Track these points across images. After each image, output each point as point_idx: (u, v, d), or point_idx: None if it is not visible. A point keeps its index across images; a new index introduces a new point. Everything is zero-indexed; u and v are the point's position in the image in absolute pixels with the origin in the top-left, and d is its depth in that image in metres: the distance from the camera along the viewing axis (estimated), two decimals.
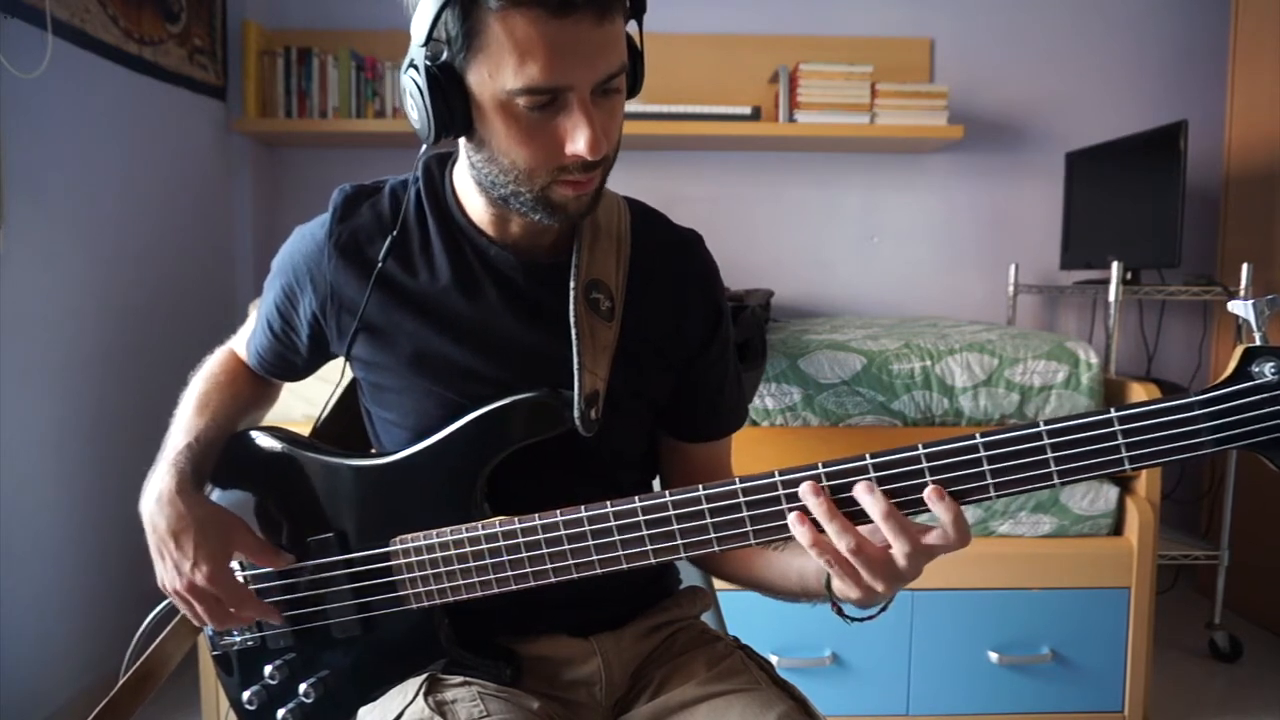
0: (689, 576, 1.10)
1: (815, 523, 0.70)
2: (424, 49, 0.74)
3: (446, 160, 0.92)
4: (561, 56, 0.71)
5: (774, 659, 1.82)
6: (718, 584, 1.18)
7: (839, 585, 0.74)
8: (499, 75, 0.72)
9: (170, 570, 0.84)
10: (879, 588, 0.71)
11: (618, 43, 0.75)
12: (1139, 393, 1.91)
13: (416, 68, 0.75)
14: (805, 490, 0.70)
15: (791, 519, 0.71)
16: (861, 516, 0.71)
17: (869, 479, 0.70)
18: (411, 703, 0.82)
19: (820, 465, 0.71)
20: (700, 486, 0.74)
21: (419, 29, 0.73)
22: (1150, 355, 2.90)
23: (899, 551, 0.69)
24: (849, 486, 0.70)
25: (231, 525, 0.86)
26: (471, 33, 0.72)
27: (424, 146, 0.82)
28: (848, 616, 0.79)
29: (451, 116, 0.76)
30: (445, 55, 0.74)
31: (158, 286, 2.26)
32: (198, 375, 1.01)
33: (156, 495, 0.85)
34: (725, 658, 0.92)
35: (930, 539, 0.69)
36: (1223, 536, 2.34)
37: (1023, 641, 1.91)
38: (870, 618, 0.78)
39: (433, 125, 0.76)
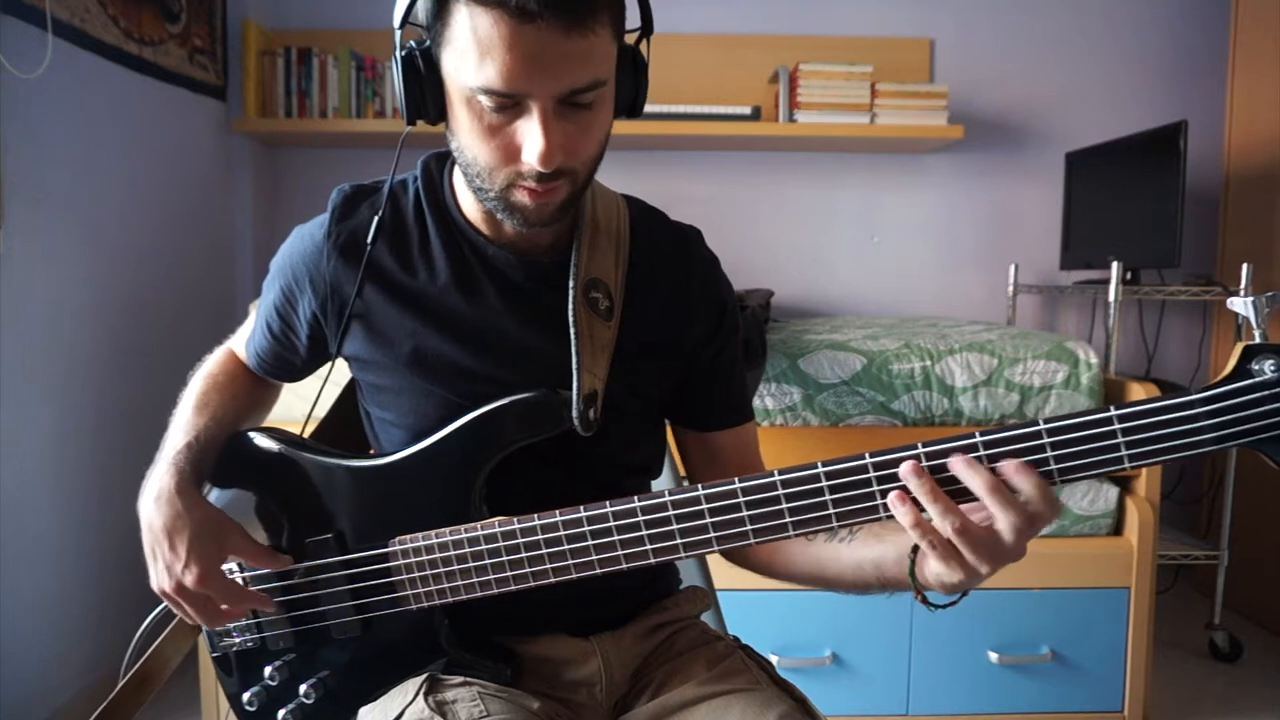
0: (689, 576, 1.10)
1: (915, 502, 0.67)
2: (400, 32, 0.75)
3: (446, 159, 0.92)
4: (520, 63, 0.70)
5: (774, 659, 1.82)
6: (718, 584, 1.18)
7: (938, 569, 0.69)
8: (462, 69, 0.73)
9: (162, 571, 0.84)
10: (984, 569, 0.67)
11: (590, 56, 0.72)
12: (1139, 393, 1.91)
13: (397, 50, 0.77)
14: (906, 471, 0.67)
15: (892, 499, 0.67)
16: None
17: (975, 455, 0.67)
18: (411, 703, 0.82)
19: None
20: (700, 486, 0.74)
21: (397, 12, 0.76)
22: (1150, 355, 2.90)
23: (1006, 525, 0.66)
24: (938, 469, 0.68)
25: (227, 529, 0.85)
26: (442, 22, 0.73)
27: (404, 132, 0.84)
28: (931, 604, 0.75)
29: (425, 102, 0.77)
30: (427, 41, 0.76)
31: (158, 286, 2.26)
32: (197, 375, 1.01)
33: (155, 494, 0.85)
34: (725, 658, 0.91)
35: (1031, 509, 0.66)
36: (1223, 536, 2.34)
37: (1023, 641, 1.91)
38: (953, 603, 0.75)
39: (405, 108, 0.78)
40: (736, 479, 0.73)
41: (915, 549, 0.74)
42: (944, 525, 0.66)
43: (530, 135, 0.73)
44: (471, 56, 0.71)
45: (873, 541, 0.80)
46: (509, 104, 0.72)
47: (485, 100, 0.72)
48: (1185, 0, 2.88)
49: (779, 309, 2.67)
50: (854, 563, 0.82)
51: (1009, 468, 0.66)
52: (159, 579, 0.84)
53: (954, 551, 0.67)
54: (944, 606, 0.75)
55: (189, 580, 0.82)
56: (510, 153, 0.75)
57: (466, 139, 0.76)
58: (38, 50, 1.77)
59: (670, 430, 1.00)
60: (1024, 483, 0.66)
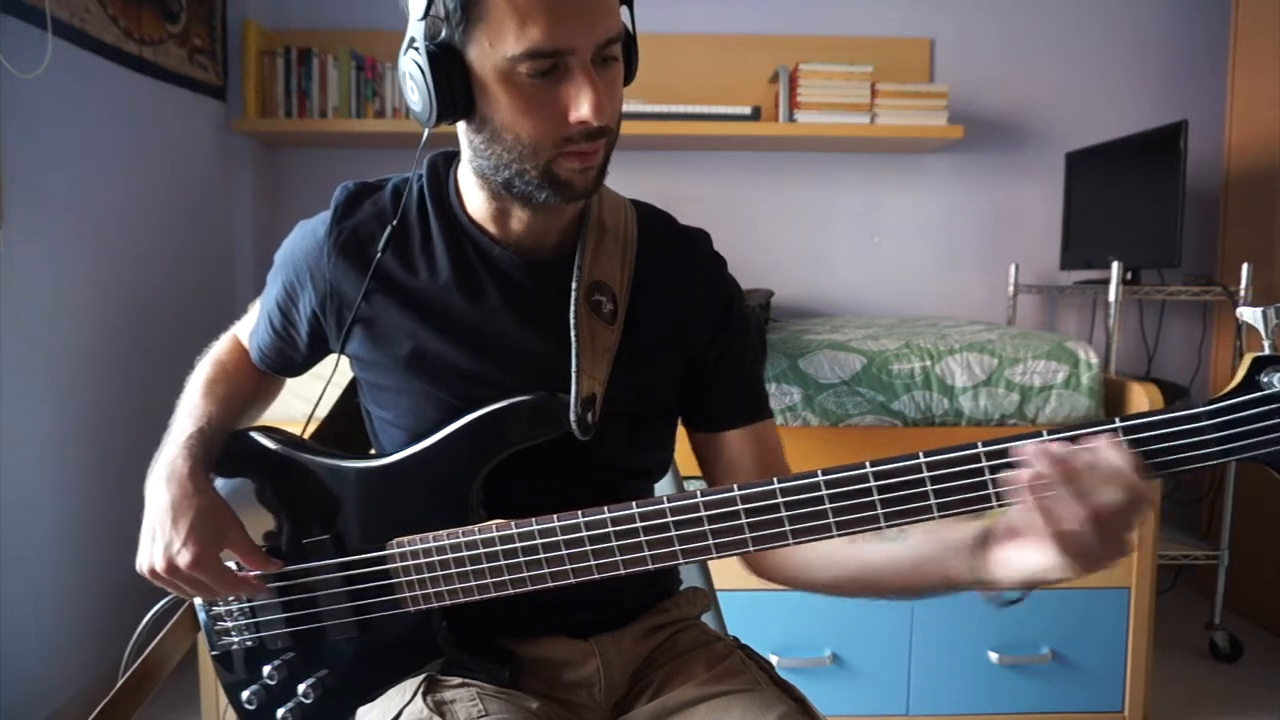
0: (689, 577, 1.10)
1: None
2: (422, 24, 0.74)
3: (452, 159, 0.91)
4: (562, 17, 0.72)
5: (774, 659, 1.82)
6: (718, 584, 1.18)
7: (1053, 562, 0.65)
8: (500, 43, 0.73)
9: (158, 549, 0.83)
10: (1106, 562, 0.64)
11: (614, 8, 0.76)
12: (1139, 393, 1.91)
13: (417, 48, 0.75)
14: (1035, 451, 0.63)
15: (1022, 483, 0.64)
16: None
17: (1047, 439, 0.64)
18: (410, 702, 0.82)
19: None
20: (699, 493, 0.73)
21: (417, 5, 0.74)
22: (1150, 355, 2.89)
23: (1114, 505, 0.62)
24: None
25: (229, 522, 0.86)
26: (470, 3, 0.72)
27: (425, 134, 0.82)
28: (1004, 600, 0.72)
29: (453, 96, 0.76)
30: (444, 33, 0.75)
31: (158, 286, 2.26)
32: (205, 359, 1.02)
33: (167, 474, 0.85)
34: (725, 658, 0.91)
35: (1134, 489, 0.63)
36: (1223, 536, 2.34)
37: (1023, 641, 1.91)
38: (1019, 600, 0.72)
39: (435, 105, 0.76)
40: (735, 486, 0.72)
41: (982, 542, 0.72)
42: (1077, 510, 0.63)
43: (579, 91, 0.74)
44: (510, 26, 0.72)
45: (927, 539, 0.77)
46: (550, 66, 0.73)
47: (527, 68, 0.73)
48: (1185, 0, 2.88)
49: (779, 309, 2.67)
50: (911, 563, 0.78)
51: (1102, 442, 0.63)
52: (153, 557, 0.83)
53: (1074, 542, 0.64)
54: (1015, 602, 0.72)
55: (182, 560, 0.82)
56: (557, 118, 0.75)
57: (507, 118, 0.76)
58: (38, 50, 1.77)
59: (688, 437, 0.98)
60: (1116, 455, 0.63)
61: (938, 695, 1.92)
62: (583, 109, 0.74)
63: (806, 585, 0.89)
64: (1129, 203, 2.50)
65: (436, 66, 0.75)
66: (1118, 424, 0.64)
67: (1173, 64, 2.89)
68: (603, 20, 0.74)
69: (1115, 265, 2.25)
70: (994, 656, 1.90)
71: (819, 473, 0.70)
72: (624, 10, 0.80)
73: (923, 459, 0.68)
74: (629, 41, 0.82)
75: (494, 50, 0.73)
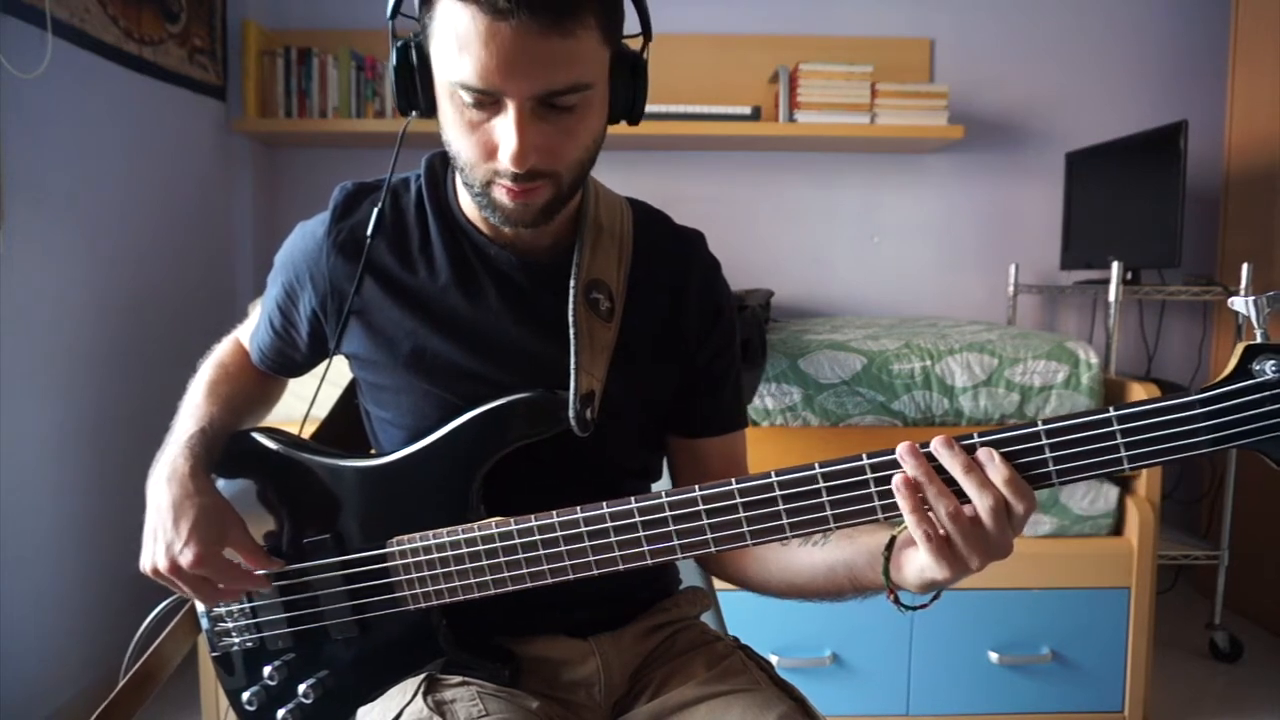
0: (689, 577, 1.10)
1: (915, 490, 0.67)
2: (392, 24, 0.77)
3: (450, 159, 0.91)
4: (494, 60, 0.69)
5: (774, 659, 1.82)
6: (718, 584, 1.18)
7: (926, 562, 0.68)
8: (443, 63, 0.73)
9: (161, 549, 0.83)
10: (974, 562, 0.67)
11: (571, 58, 0.71)
12: (1139, 393, 1.91)
13: (391, 42, 0.79)
14: (903, 451, 0.67)
15: (896, 482, 0.67)
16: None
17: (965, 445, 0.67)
18: (410, 702, 0.82)
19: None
20: (697, 487, 0.73)
21: (389, 4, 0.78)
22: (1150, 355, 2.89)
23: (984, 508, 0.65)
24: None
25: (231, 521, 0.86)
26: (428, 15, 0.73)
27: (404, 126, 0.84)
28: (903, 605, 0.74)
29: (415, 93, 0.78)
30: (420, 34, 0.77)
31: (158, 287, 2.26)
32: (207, 362, 1.02)
33: (168, 474, 0.85)
34: (725, 658, 0.91)
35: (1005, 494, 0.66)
36: (1223, 536, 2.34)
37: (1023, 641, 1.91)
38: (924, 606, 0.74)
39: (397, 99, 0.80)
40: (734, 480, 0.72)
41: (889, 546, 0.74)
42: (939, 508, 0.66)
43: (505, 134, 0.72)
44: (451, 50, 0.71)
45: (845, 543, 0.80)
46: (487, 100, 0.72)
47: (465, 95, 0.72)
48: (1185, 0, 2.88)
49: (779, 309, 2.67)
50: (826, 566, 0.81)
51: (982, 453, 0.66)
52: (155, 557, 0.83)
53: (946, 542, 0.67)
54: (916, 608, 0.74)
55: (185, 560, 0.82)
56: (488, 150, 0.75)
57: (450, 132, 0.77)
58: (38, 50, 1.77)
59: None
60: (994, 471, 0.66)
61: (938, 695, 1.92)
62: (502, 154, 0.73)
63: (741, 583, 0.92)
64: (1129, 203, 2.50)
65: (402, 62, 0.77)
66: (1111, 413, 0.65)
67: (1173, 64, 2.89)
68: (545, 73, 0.70)
69: (1115, 265, 2.25)
70: (994, 656, 1.90)
71: (816, 465, 0.70)
72: (635, 40, 0.80)
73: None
74: (636, 80, 0.80)
75: (441, 68, 0.74)
